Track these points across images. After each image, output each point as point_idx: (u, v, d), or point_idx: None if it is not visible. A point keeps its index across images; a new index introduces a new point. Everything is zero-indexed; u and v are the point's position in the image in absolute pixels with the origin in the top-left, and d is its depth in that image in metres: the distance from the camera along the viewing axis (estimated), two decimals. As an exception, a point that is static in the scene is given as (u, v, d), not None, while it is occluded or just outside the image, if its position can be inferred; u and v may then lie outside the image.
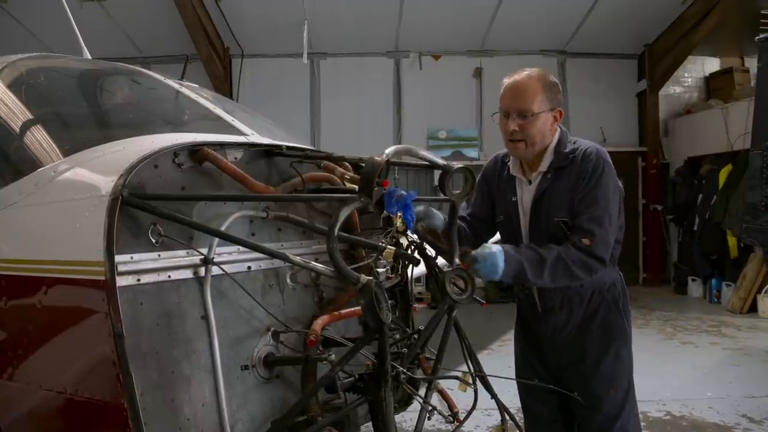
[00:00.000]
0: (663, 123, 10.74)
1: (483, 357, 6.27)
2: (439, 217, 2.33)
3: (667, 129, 10.78)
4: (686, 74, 11.06)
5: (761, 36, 4.63)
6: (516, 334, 2.68)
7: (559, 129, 2.41)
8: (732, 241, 8.68)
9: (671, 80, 10.58)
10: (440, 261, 2.29)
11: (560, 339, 2.42)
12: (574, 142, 2.40)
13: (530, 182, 2.43)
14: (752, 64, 9.38)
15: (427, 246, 2.26)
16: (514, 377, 2.53)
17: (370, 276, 1.76)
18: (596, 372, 2.37)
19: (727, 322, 7.88)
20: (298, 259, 1.82)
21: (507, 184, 2.51)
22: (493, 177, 2.59)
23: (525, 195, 2.45)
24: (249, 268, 2.07)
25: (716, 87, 10.69)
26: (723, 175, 8.90)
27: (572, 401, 2.41)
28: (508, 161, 2.51)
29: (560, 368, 2.47)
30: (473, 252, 2.17)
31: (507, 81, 2.36)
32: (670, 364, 5.90)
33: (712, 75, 10.98)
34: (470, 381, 2.15)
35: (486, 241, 2.60)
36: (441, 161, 2.10)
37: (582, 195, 2.27)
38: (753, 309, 8.29)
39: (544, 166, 2.38)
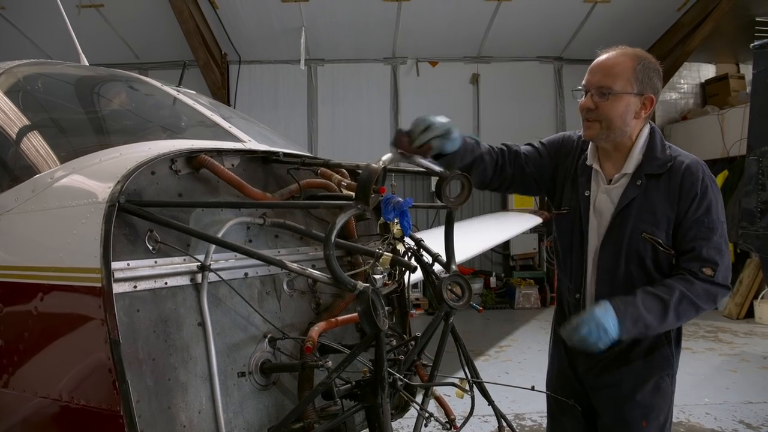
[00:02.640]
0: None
1: (480, 363, 6.30)
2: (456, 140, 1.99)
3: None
4: (682, 80, 11.15)
5: (756, 43, 4.65)
6: (554, 343, 2.45)
7: (649, 126, 2.18)
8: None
9: (667, 86, 10.66)
10: (437, 267, 2.29)
11: (599, 357, 2.20)
12: (669, 148, 2.16)
13: (610, 182, 2.19)
14: (747, 70, 9.45)
15: (423, 252, 2.25)
16: (511, 384, 2.53)
17: (366, 283, 1.76)
18: (630, 400, 2.19)
19: (724, 327, 7.90)
20: (294, 265, 1.81)
21: (582, 173, 2.24)
22: (567, 156, 2.31)
23: (601, 195, 2.20)
24: (246, 274, 2.06)
25: (712, 93, 10.77)
26: (719, 181, 8.96)
27: (599, 427, 2.27)
28: (587, 147, 2.24)
29: (593, 386, 2.28)
30: (576, 318, 1.96)
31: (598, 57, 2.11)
32: (667, 370, 5.91)
33: (708, 81, 11.07)
34: (467, 387, 2.14)
35: (501, 187, 2.32)
36: (438, 168, 2.10)
37: (693, 218, 2.06)
38: (750, 315, 8.33)
39: (629, 167, 2.14)
